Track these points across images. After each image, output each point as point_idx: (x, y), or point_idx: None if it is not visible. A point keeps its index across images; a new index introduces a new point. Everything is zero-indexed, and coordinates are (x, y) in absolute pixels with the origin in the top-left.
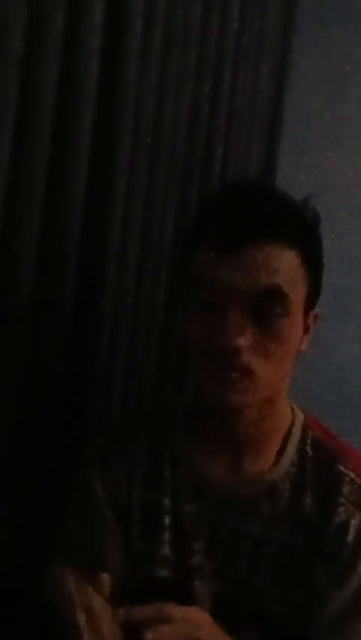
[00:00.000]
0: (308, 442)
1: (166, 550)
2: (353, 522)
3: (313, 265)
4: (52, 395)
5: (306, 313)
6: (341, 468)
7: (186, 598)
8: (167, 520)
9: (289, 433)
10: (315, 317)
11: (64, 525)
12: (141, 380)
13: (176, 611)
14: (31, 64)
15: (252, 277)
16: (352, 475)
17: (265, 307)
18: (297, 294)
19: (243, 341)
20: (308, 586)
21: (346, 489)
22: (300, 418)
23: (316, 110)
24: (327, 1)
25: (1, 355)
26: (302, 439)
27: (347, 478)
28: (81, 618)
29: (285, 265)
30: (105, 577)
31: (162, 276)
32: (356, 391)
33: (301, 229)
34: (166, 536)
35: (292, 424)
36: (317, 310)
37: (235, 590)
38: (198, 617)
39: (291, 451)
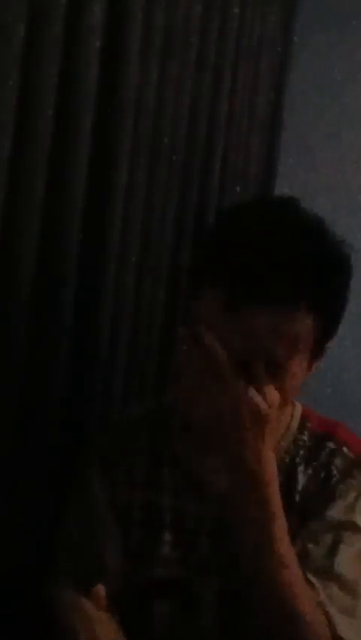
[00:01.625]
0: (305, 432)
1: (167, 549)
2: (343, 486)
3: (330, 315)
4: (52, 395)
5: (316, 351)
6: (334, 445)
7: (188, 597)
8: (168, 519)
9: (288, 428)
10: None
11: (64, 525)
12: (141, 380)
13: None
14: (31, 64)
15: (251, 342)
16: (345, 450)
17: (266, 366)
18: (301, 351)
19: None
20: None
21: (338, 461)
22: (298, 410)
23: (316, 110)
24: (327, 2)
25: (1, 355)
26: (300, 429)
27: (340, 454)
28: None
29: (290, 330)
30: (101, 587)
31: (162, 276)
32: (356, 392)
33: (315, 279)
34: (167, 536)
35: (291, 419)
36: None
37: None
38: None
39: (287, 442)
